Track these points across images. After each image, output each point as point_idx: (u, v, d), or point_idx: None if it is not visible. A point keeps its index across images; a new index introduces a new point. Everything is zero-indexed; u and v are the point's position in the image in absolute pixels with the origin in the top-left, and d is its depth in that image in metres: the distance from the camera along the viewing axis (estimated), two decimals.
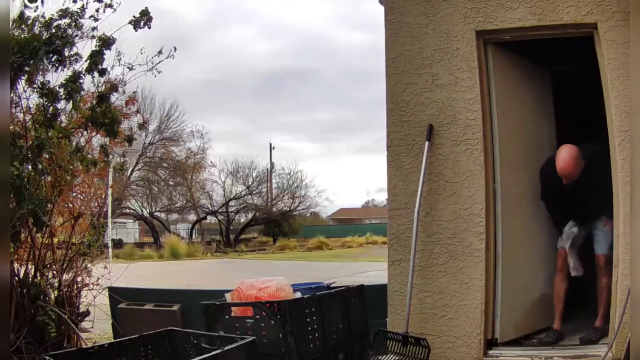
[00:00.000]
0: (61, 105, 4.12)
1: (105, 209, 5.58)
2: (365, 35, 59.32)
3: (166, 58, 4.28)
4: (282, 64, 59.63)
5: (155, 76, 4.32)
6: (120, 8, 4.06)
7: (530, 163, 3.98)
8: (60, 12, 4.01)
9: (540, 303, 3.95)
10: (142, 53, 4.23)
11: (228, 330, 2.76)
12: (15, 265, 4.02)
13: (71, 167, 4.26)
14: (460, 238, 3.62)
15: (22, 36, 3.94)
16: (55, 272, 4.23)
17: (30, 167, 3.95)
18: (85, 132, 4.39)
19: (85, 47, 4.09)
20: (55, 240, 4.37)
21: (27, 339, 3.83)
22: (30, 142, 3.92)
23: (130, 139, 4.64)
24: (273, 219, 29.06)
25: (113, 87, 4.26)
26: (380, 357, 3.36)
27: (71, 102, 4.08)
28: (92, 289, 4.42)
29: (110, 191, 6.79)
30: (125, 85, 4.35)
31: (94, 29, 4.10)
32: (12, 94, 3.91)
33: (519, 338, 3.76)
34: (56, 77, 4.02)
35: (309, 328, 2.82)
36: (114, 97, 4.34)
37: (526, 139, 4.07)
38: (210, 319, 2.89)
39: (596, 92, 3.56)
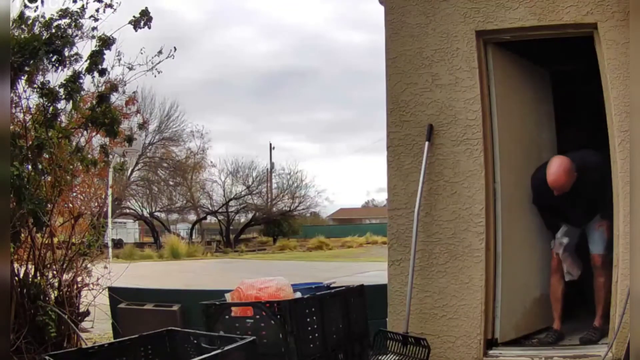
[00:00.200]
0: (61, 105, 4.13)
1: (105, 209, 5.59)
2: (365, 35, 59.46)
3: (166, 58, 4.29)
4: (282, 64, 59.77)
5: (155, 76, 4.34)
6: (120, 8, 4.08)
7: (530, 163, 3.98)
8: (60, 12, 4.02)
9: (540, 303, 3.95)
10: (142, 53, 4.25)
11: (228, 330, 2.77)
12: (15, 265, 4.03)
13: (71, 167, 4.27)
14: (460, 238, 3.62)
15: (22, 36, 3.94)
16: (55, 272, 4.23)
17: (30, 167, 3.95)
18: (85, 132, 4.39)
19: (85, 47, 4.11)
20: (55, 240, 4.37)
21: (27, 339, 3.83)
22: (30, 142, 3.93)
23: (130, 139, 4.64)
24: (273, 219, 29.05)
25: (113, 87, 4.26)
26: (380, 357, 3.36)
27: (71, 102, 4.09)
28: (92, 289, 4.43)
29: (110, 191, 6.80)
30: (125, 85, 4.36)
31: (94, 29, 4.11)
32: (12, 94, 3.91)
33: (519, 338, 3.76)
34: (56, 77, 4.04)
35: (309, 328, 2.82)
36: (114, 97, 4.36)
37: (526, 139, 4.07)
38: (210, 319, 2.89)
39: (596, 92, 3.56)
